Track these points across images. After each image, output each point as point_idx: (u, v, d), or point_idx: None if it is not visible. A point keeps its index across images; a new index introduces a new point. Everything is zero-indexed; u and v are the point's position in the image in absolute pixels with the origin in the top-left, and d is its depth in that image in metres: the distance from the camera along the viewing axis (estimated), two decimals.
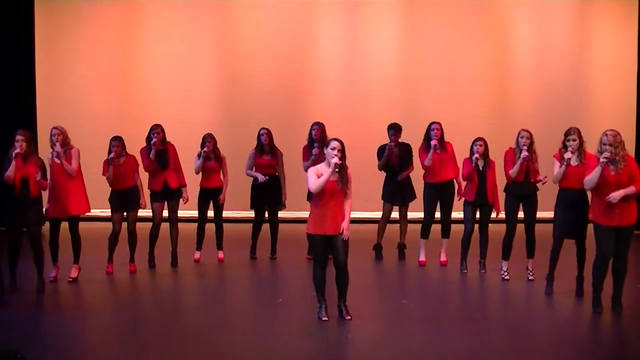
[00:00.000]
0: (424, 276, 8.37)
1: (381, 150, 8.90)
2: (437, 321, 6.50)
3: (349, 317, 6.38)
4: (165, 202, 8.56)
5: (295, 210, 9.74)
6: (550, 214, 7.48)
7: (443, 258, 8.73)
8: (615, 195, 6.45)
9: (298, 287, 7.85)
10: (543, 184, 7.79)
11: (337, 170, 6.19)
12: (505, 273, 8.01)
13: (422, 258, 8.74)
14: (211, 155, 8.73)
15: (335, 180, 6.26)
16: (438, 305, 7.17)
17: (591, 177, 6.52)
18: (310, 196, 8.85)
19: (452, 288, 8.00)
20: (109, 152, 8.09)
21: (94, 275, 8.06)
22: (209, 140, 8.73)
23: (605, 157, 6.40)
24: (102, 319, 6.71)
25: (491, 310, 7.23)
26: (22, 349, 4.89)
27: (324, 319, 6.36)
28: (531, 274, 7.93)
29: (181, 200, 8.59)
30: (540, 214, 7.98)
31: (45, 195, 7.62)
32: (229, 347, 5.87)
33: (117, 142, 8.11)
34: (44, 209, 7.57)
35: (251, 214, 9.19)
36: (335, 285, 6.43)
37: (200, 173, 8.82)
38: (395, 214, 9.07)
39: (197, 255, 8.90)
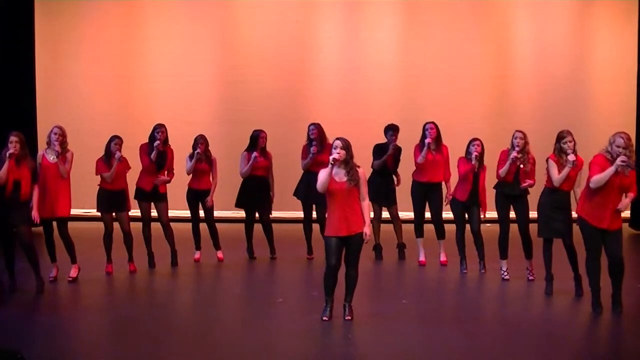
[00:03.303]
0: (424, 276, 8.37)
1: (377, 149, 8.90)
2: (437, 321, 6.50)
3: (349, 317, 6.38)
4: (152, 204, 8.54)
5: (294, 210, 9.73)
6: None
7: (443, 258, 8.73)
8: (625, 204, 6.52)
9: (298, 287, 7.85)
10: (530, 187, 7.78)
11: (332, 163, 6.19)
12: (505, 273, 8.02)
13: (422, 258, 8.74)
14: (202, 156, 8.73)
15: (344, 181, 6.25)
16: (438, 305, 7.18)
17: (601, 177, 6.42)
18: (296, 191, 8.96)
19: (452, 288, 8.01)
20: (106, 149, 8.08)
21: (93, 275, 8.05)
22: (201, 141, 8.72)
23: (623, 161, 6.36)
24: (102, 318, 6.71)
25: (491, 310, 7.24)
26: (22, 349, 4.90)
27: (324, 319, 6.35)
28: (531, 274, 7.93)
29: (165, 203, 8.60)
30: (534, 215, 7.94)
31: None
32: (229, 346, 5.86)
33: (119, 141, 8.11)
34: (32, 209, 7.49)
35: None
36: (345, 283, 6.42)
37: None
38: (386, 214, 9.06)
39: (197, 255, 8.90)
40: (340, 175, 6.25)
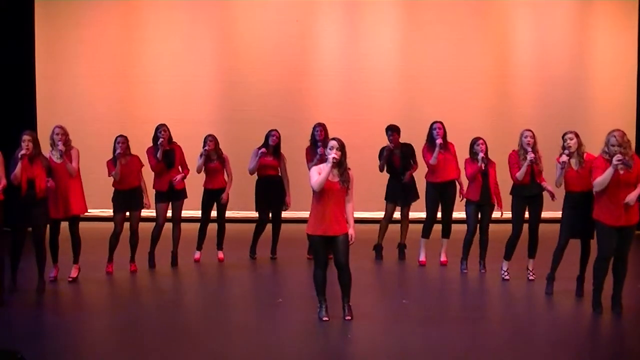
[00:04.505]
0: (424, 276, 8.37)
1: (382, 151, 8.90)
2: (437, 321, 6.50)
3: (349, 317, 6.38)
4: (170, 203, 8.58)
5: (296, 210, 9.72)
6: (552, 214, 7.48)
7: (443, 258, 8.72)
8: (632, 197, 6.46)
9: (298, 287, 7.85)
10: (548, 190, 7.76)
11: (335, 161, 6.20)
12: (506, 273, 8.01)
13: (422, 258, 8.74)
14: (213, 155, 8.75)
15: (337, 181, 6.27)
16: (438, 305, 7.17)
17: (603, 179, 6.45)
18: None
19: (452, 288, 8.01)
20: (114, 150, 8.10)
21: (94, 275, 8.06)
22: (210, 140, 8.76)
23: (619, 160, 6.36)
24: (102, 318, 6.71)
25: (491, 310, 7.24)
26: (22, 349, 4.90)
27: (324, 319, 6.36)
28: (531, 274, 7.93)
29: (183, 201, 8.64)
30: (543, 214, 7.95)
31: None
32: (228, 347, 5.87)
33: (123, 139, 8.13)
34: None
35: (251, 213, 9.19)
36: (339, 285, 6.43)
37: (204, 174, 8.83)
38: (397, 214, 9.08)
39: (197, 255, 8.90)
40: (333, 174, 6.27)
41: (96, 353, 5.77)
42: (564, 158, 7.06)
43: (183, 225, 8.81)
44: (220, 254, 8.97)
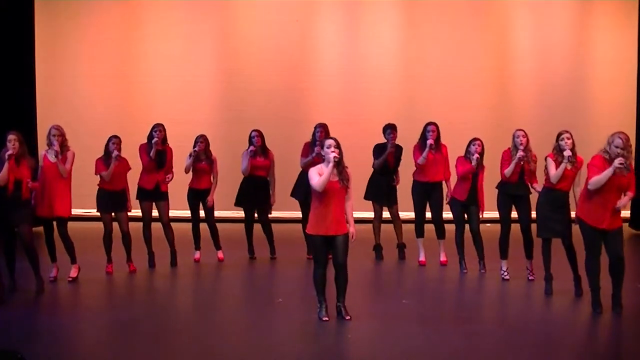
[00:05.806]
0: (424, 276, 8.37)
1: (377, 148, 8.90)
2: (437, 321, 6.50)
3: (349, 317, 6.38)
4: (154, 203, 8.55)
5: (294, 210, 9.72)
6: None
7: (443, 258, 8.73)
8: (624, 203, 6.49)
9: (298, 287, 7.85)
10: (538, 192, 7.76)
11: (336, 160, 6.20)
12: (505, 273, 8.02)
13: (422, 258, 8.74)
14: (202, 156, 8.75)
15: (336, 180, 6.28)
16: (438, 305, 7.17)
17: (600, 179, 6.42)
18: (293, 192, 8.96)
19: (452, 288, 8.01)
20: (105, 149, 8.09)
21: (93, 275, 8.05)
22: (200, 140, 8.77)
23: (621, 164, 6.35)
24: (102, 319, 6.71)
25: (491, 310, 7.24)
26: (22, 349, 4.90)
27: (324, 319, 6.36)
28: (531, 274, 7.93)
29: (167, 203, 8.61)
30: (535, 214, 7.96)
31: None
32: (229, 347, 5.87)
33: (117, 140, 8.12)
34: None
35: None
36: (335, 285, 6.44)
37: (191, 173, 8.83)
38: (387, 214, 9.07)
39: (197, 255, 8.90)
40: (333, 174, 6.28)
41: (96, 353, 5.77)
42: (569, 152, 7.08)
43: (177, 225, 8.82)
44: (220, 254, 8.97)
